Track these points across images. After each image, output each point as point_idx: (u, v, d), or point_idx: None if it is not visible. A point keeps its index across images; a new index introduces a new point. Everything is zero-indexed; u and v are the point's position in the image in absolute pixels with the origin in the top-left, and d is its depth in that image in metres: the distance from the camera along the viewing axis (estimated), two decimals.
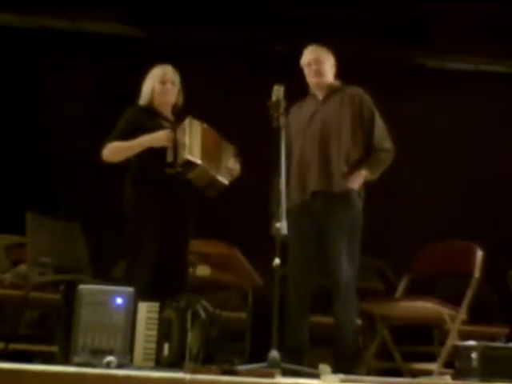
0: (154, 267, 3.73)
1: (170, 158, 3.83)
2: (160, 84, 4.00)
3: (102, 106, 5.86)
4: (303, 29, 5.72)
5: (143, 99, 4.03)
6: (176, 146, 3.82)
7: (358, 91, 4.14)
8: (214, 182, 3.92)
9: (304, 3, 5.93)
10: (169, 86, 4.01)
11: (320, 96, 4.16)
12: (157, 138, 3.84)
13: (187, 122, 3.86)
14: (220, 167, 3.93)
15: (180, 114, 4.05)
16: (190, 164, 3.80)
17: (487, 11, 5.86)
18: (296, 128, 4.07)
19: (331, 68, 4.19)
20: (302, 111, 4.14)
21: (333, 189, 3.95)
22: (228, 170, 3.96)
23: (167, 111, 4.05)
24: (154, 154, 3.83)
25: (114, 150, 3.86)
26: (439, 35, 6.36)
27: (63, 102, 5.93)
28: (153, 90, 4.00)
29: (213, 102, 5.58)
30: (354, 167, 4.01)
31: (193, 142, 3.81)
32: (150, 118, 3.94)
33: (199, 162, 3.80)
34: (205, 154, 3.84)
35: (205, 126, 3.94)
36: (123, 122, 3.93)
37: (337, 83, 4.20)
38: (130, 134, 3.86)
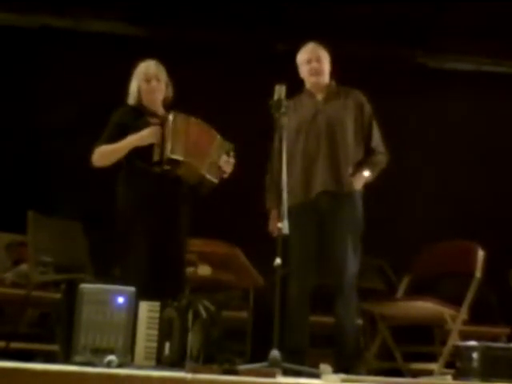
0: (147, 266, 3.71)
1: (156, 156, 3.77)
2: (145, 82, 3.94)
3: (103, 105, 5.84)
4: (304, 28, 5.72)
5: (131, 99, 3.97)
6: (162, 143, 3.76)
7: (359, 95, 4.15)
8: (202, 181, 3.88)
9: (305, 3, 5.93)
10: (154, 83, 3.94)
11: (319, 96, 4.15)
12: (142, 137, 3.79)
13: (171, 117, 3.81)
14: (208, 164, 3.86)
15: (173, 108, 3.98)
16: (173, 161, 3.75)
17: (487, 11, 5.86)
18: (295, 127, 4.05)
19: (328, 67, 4.19)
20: (299, 109, 4.11)
21: (342, 189, 3.96)
22: (217, 167, 3.90)
23: (157, 107, 3.98)
24: (142, 153, 3.78)
25: (102, 155, 3.83)
26: (440, 35, 6.36)
27: (64, 102, 5.93)
28: (139, 89, 3.95)
29: (213, 101, 5.57)
30: (355, 168, 4.02)
31: (176, 138, 3.75)
32: (138, 117, 3.87)
33: (182, 158, 3.75)
34: (190, 150, 3.79)
35: (192, 119, 3.88)
36: (110, 126, 3.88)
37: (334, 84, 4.20)
38: (117, 137, 3.81)
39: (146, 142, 3.79)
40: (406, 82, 6.33)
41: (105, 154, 3.83)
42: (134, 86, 3.98)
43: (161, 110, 3.99)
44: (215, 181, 3.90)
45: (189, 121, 3.87)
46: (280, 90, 3.50)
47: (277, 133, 3.81)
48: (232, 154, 3.97)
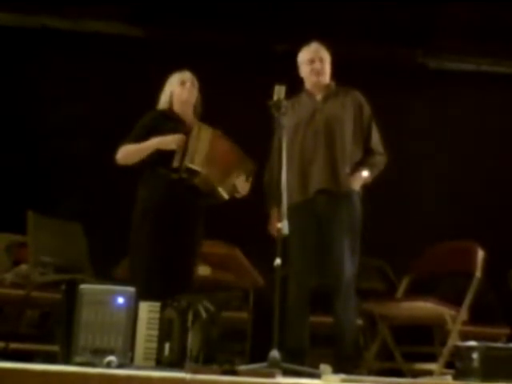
0: (154, 267, 3.74)
1: (175, 163, 3.82)
2: (179, 86, 4.02)
3: (103, 105, 5.87)
4: (304, 29, 5.71)
5: (162, 105, 4.04)
6: (184, 151, 3.81)
7: (358, 95, 4.15)
8: (213, 193, 3.91)
9: (305, 3, 5.93)
10: (188, 84, 4.03)
11: (318, 95, 4.14)
12: (165, 141, 3.84)
13: (196, 127, 3.87)
14: (226, 179, 3.91)
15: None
16: (191, 171, 3.81)
17: (487, 11, 5.87)
18: (293, 126, 4.04)
19: (329, 68, 4.19)
20: (298, 109, 4.11)
21: (340, 188, 3.96)
22: (233, 185, 3.93)
23: (188, 114, 4.04)
24: (164, 158, 3.83)
25: (125, 154, 3.89)
26: (440, 35, 6.37)
27: (64, 102, 5.93)
28: (171, 94, 4.02)
29: (213, 101, 5.57)
30: (354, 168, 4.02)
31: (198, 148, 3.81)
32: (167, 122, 3.94)
33: (199, 169, 3.80)
34: (210, 162, 3.83)
35: (217, 132, 3.93)
36: (139, 126, 3.94)
37: (333, 84, 4.20)
38: (143, 138, 3.88)
39: (167, 147, 3.84)
40: (406, 83, 6.34)
41: (127, 153, 3.90)
42: (166, 93, 4.05)
43: (190, 118, 4.04)
44: (226, 196, 3.93)
45: (214, 134, 3.91)
46: (280, 91, 3.49)
47: (276, 133, 3.82)
48: (251, 177, 3.98)
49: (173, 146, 3.83)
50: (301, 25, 5.89)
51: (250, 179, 3.99)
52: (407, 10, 5.96)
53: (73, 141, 5.78)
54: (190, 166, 3.79)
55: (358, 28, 6.08)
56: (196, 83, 4.07)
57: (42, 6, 6.11)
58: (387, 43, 6.35)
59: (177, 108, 4.03)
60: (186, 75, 4.06)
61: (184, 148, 3.81)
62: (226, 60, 6.08)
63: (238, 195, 3.98)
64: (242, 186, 3.96)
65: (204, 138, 3.85)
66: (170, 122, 3.95)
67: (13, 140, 5.86)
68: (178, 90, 4.02)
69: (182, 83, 4.03)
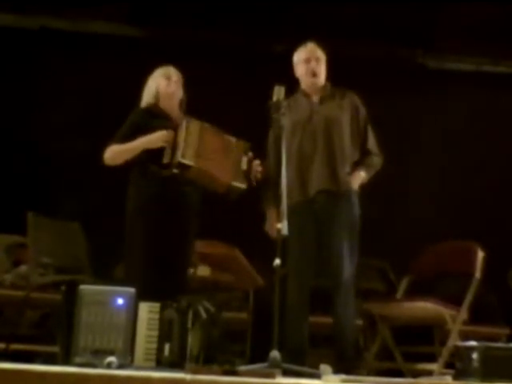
0: (150, 267, 3.73)
1: (165, 159, 3.80)
2: (164, 80, 3.99)
3: (102, 105, 5.87)
4: (303, 29, 5.72)
5: (147, 100, 4.01)
6: (173, 146, 3.79)
7: (354, 97, 4.14)
8: (230, 188, 3.89)
9: (304, 3, 5.93)
10: (174, 78, 4.01)
11: (314, 96, 4.13)
12: (152, 140, 3.82)
13: (184, 122, 3.84)
14: (230, 167, 3.89)
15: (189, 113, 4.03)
16: (183, 166, 3.78)
17: (488, 11, 5.87)
18: (290, 126, 4.02)
19: (325, 68, 4.18)
20: (294, 110, 4.08)
21: (339, 188, 3.96)
22: (242, 171, 3.91)
23: (174, 109, 4.01)
24: (154, 155, 3.81)
25: (113, 154, 3.87)
26: (440, 36, 6.37)
27: (63, 102, 5.93)
28: (157, 89, 3.99)
29: (212, 102, 5.58)
30: (352, 168, 4.03)
31: (188, 142, 3.78)
32: (154, 119, 3.91)
33: (191, 163, 3.78)
34: (203, 155, 3.81)
35: (206, 125, 3.91)
36: (126, 125, 3.91)
37: (329, 85, 4.19)
38: (131, 136, 3.84)
39: (155, 145, 3.82)
40: (406, 83, 6.34)
41: (115, 154, 3.87)
42: (151, 88, 4.01)
43: (177, 113, 4.02)
44: (243, 186, 3.91)
45: (202, 127, 3.89)
46: (279, 91, 3.50)
47: (272, 133, 3.82)
48: (250, 153, 3.97)
49: (160, 144, 3.81)
50: (300, 25, 5.89)
51: (250, 155, 3.95)
52: (407, 9, 5.96)
53: (72, 141, 5.77)
54: (182, 160, 3.75)
55: (358, 28, 6.08)
56: (181, 78, 4.04)
57: (41, 6, 6.11)
58: (387, 43, 6.35)
59: (163, 103, 4.00)
60: (171, 70, 4.04)
61: (173, 143, 3.79)
62: (226, 60, 6.08)
63: (258, 176, 3.94)
64: (254, 167, 3.93)
65: (193, 132, 3.83)
66: (156, 118, 3.91)
67: (12, 140, 5.86)
68: (164, 85, 3.99)
69: (168, 78, 4.00)
